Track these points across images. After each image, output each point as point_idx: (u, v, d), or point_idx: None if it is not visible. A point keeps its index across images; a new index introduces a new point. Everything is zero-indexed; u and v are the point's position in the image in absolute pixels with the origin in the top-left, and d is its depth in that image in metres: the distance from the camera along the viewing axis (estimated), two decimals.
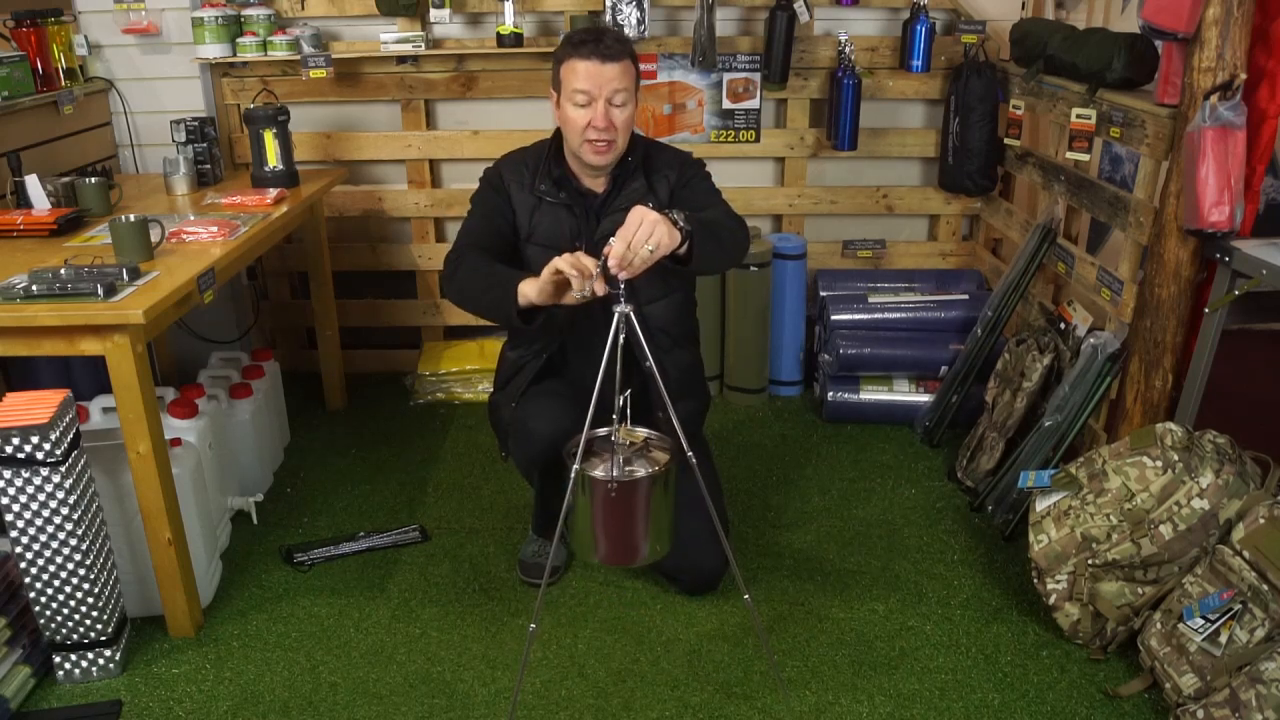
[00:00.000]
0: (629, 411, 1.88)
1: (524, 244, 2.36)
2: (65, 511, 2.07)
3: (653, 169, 2.38)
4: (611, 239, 1.83)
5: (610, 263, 1.83)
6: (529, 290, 2.01)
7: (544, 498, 2.53)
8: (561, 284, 1.95)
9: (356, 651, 2.32)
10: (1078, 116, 2.74)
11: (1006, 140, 3.33)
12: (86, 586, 2.14)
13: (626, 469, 1.88)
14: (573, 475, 1.86)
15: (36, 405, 2.05)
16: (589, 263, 1.89)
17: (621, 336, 1.82)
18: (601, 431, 1.94)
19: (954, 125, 3.39)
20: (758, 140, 3.56)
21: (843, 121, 3.42)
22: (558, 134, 2.36)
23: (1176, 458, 2.16)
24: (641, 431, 1.95)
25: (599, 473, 1.87)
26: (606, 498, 1.87)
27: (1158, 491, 2.16)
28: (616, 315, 1.81)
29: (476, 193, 2.41)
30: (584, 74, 2.19)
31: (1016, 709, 2.12)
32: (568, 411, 2.25)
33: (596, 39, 2.21)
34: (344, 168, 3.50)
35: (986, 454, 2.92)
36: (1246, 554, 1.98)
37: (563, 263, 1.90)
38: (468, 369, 3.58)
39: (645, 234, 1.83)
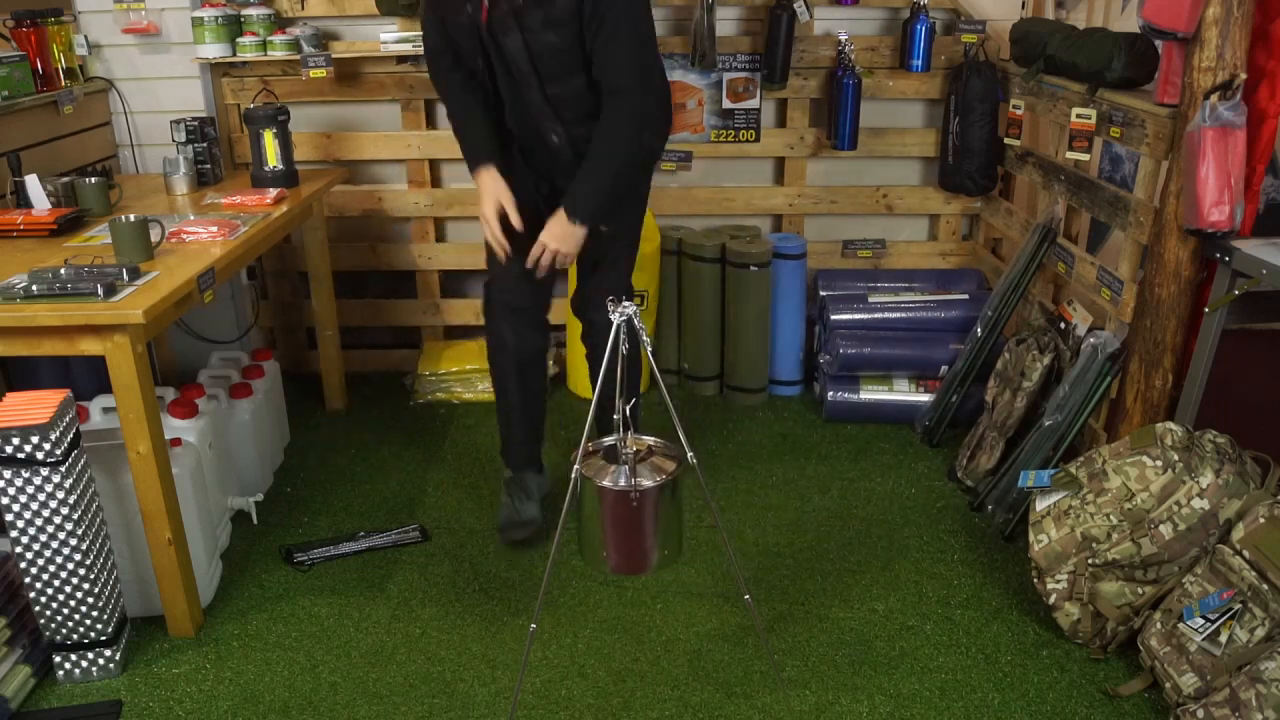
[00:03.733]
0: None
1: (443, 15, 2.41)
2: (65, 511, 2.07)
3: None
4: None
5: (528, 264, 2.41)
6: (482, 181, 2.42)
7: (505, 418, 2.70)
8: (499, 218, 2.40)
9: (356, 651, 2.32)
10: (1078, 116, 2.74)
11: (1006, 140, 3.33)
12: (86, 586, 2.14)
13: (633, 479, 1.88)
14: (576, 481, 1.86)
15: (36, 405, 2.05)
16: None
17: (624, 346, 1.82)
18: (605, 440, 1.93)
19: (954, 125, 3.39)
20: (758, 140, 3.56)
21: (843, 121, 3.42)
22: None
23: (1176, 457, 2.16)
24: (646, 439, 1.95)
25: (609, 483, 1.86)
26: (616, 509, 1.86)
27: (1158, 491, 2.16)
28: (616, 320, 1.81)
29: None
30: None
31: (1016, 709, 2.12)
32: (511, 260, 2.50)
33: None
34: (344, 168, 3.50)
35: (986, 454, 2.92)
36: (1246, 554, 1.98)
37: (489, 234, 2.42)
38: (468, 369, 3.58)
39: (552, 256, 2.40)
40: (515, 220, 2.40)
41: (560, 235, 2.39)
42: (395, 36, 3.30)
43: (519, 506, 2.69)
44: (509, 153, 2.52)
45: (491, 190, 2.42)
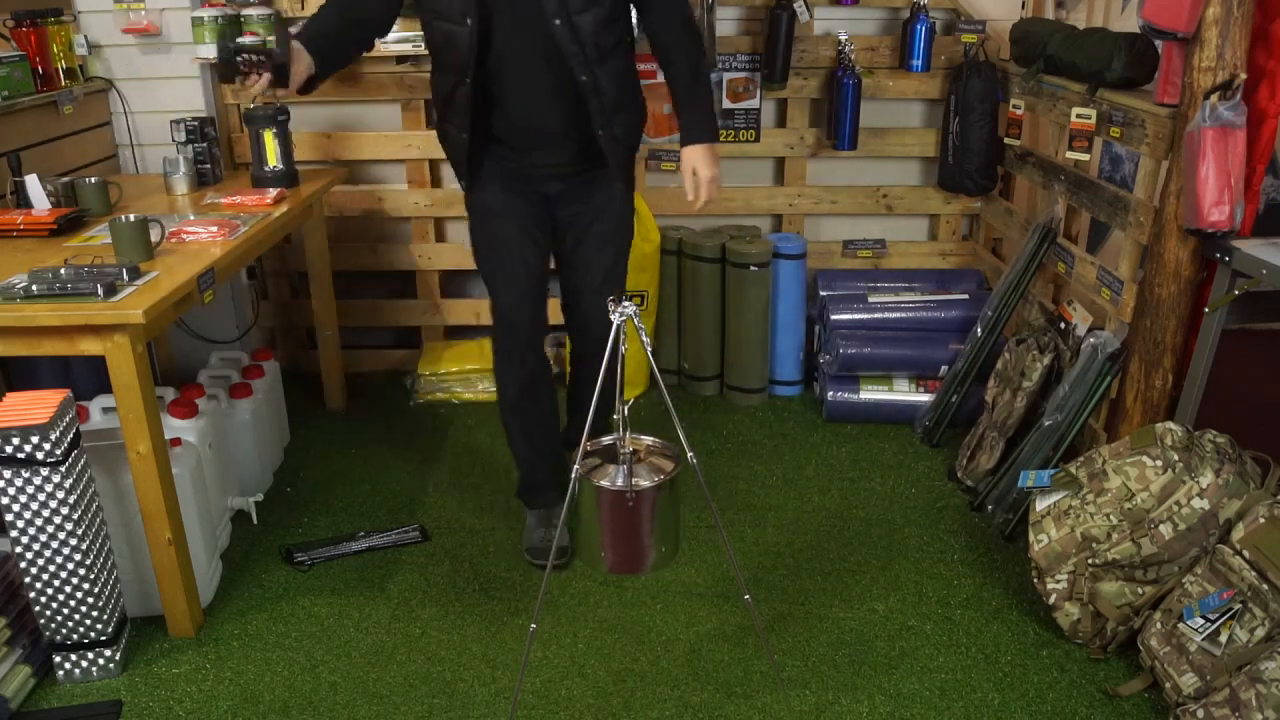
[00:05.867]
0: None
1: (424, 13, 2.29)
2: (65, 511, 2.07)
3: None
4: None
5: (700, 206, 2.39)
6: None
7: (522, 445, 2.61)
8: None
9: (356, 651, 2.32)
10: (1078, 116, 2.74)
11: (1006, 140, 3.33)
12: (86, 586, 2.14)
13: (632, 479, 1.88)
14: (575, 481, 1.86)
15: (36, 405, 2.05)
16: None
17: (623, 346, 1.82)
18: (604, 440, 1.94)
19: (954, 125, 3.39)
20: (758, 140, 3.56)
21: (843, 121, 3.42)
22: None
23: (1176, 457, 2.16)
24: (644, 439, 1.95)
25: (607, 483, 1.86)
26: (613, 509, 1.86)
27: (1158, 491, 2.16)
28: (615, 321, 1.81)
29: None
30: None
31: (1016, 709, 2.12)
32: (526, 273, 2.42)
33: None
34: (344, 168, 3.50)
35: (986, 453, 2.92)
36: (1246, 553, 1.98)
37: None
38: (468, 369, 3.57)
39: (708, 184, 2.37)
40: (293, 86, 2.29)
41: (707, 159, 2.36)
42: (395, 36, 3.30)
43: (550, 534, 2.61)
44: (502, 164, 2.41)
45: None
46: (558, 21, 2.17)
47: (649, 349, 1.86)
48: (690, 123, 2.37)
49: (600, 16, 2.22)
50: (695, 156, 2.36)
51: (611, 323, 1.80)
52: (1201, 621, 2.02)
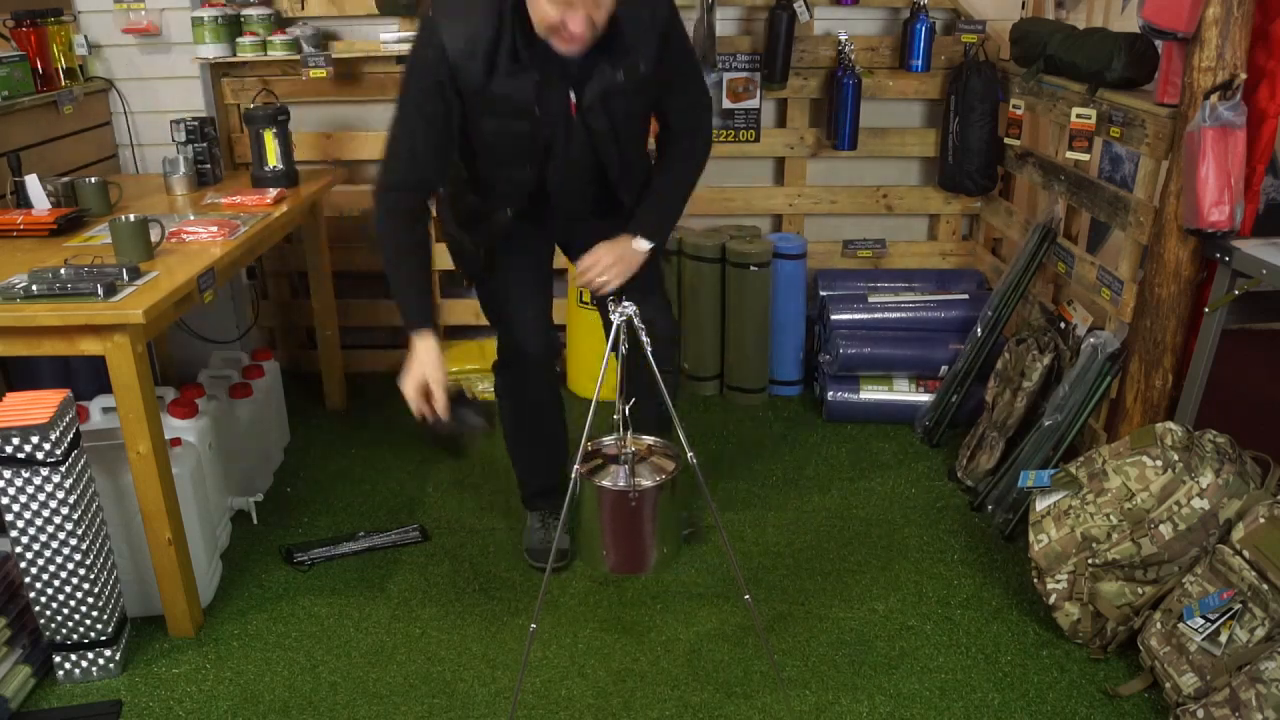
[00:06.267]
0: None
1: (479, 116, 2.10)
2: (65, 511, 2.07)
3: (629, 35, 2.06)
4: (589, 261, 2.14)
5: (580, 282, 2.22)
6: (416, 349, 2.09)
7: (529, 461, 2.60)
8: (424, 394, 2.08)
9: (356, 651, 2.32)
10: (1078, 116, 2.74)
11: (1006, 140, 3.33)
12: (86, 586, 2.14)
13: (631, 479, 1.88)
14: (575, 481, 1.86)
15: (36, 405, 2.05)
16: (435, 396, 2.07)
17: (623, 347, 1.82)
18: (605, 440, 1.93)
19: (954, 125, 3.39)
20: (758, 140, 3.56)
21: (843, 121, 3.42)
22: None
23: (1176, 457, 2.16)
24: (645, 439, 1.95)
25: (608, 483, 1.86)
26: (616, 509, 1.86)
27: (1158, 491, 2.16)
28: (616, 320, 1.81)
29: (406, 81, 2.09)
30: None
31: (1016, 709, 2.12)
32: (544, 324, 2.37)
33: None
34: (344, 167, 3.50)
35: (986, 453, 2.92)
36: (1246, 554, 1.98)
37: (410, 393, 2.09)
38: (468, 369, 3.57)
39: (603, 272, 2.17)
40: (440, 402, 2.07)
41: (623, 257, 2.18)
42: (395, 36, 3.30)
43: (551, 535, 2.59)
44: (528, 202, 2.26)
45: (423, 363, 2.07)
46: (613, 155, 2.16)
47: (649, 349, 1.86)
48: (644, 219, 2.23)
49: (642, 133, 2.25)
50: (622, 245, 2.20)
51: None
52: (1201, 621, 2.02)
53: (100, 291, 2.07)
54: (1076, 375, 2.65)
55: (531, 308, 2.39)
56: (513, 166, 2.17)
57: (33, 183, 2.69)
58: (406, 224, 2.14)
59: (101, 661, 2.22)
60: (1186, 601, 2.07)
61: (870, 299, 3.44)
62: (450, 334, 3.82)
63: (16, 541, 2.09)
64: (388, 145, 2.13)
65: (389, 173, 2.13)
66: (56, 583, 2.13)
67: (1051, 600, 2.29)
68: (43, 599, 2.14)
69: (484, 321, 2.66)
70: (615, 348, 1.82)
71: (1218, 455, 2.15)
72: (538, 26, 1.97)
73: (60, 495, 2.05)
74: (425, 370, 2.06)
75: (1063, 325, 2.86)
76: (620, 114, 2.12)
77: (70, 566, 2.11)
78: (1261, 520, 1.98)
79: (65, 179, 2.79)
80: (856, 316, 3.40)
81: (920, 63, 3.38)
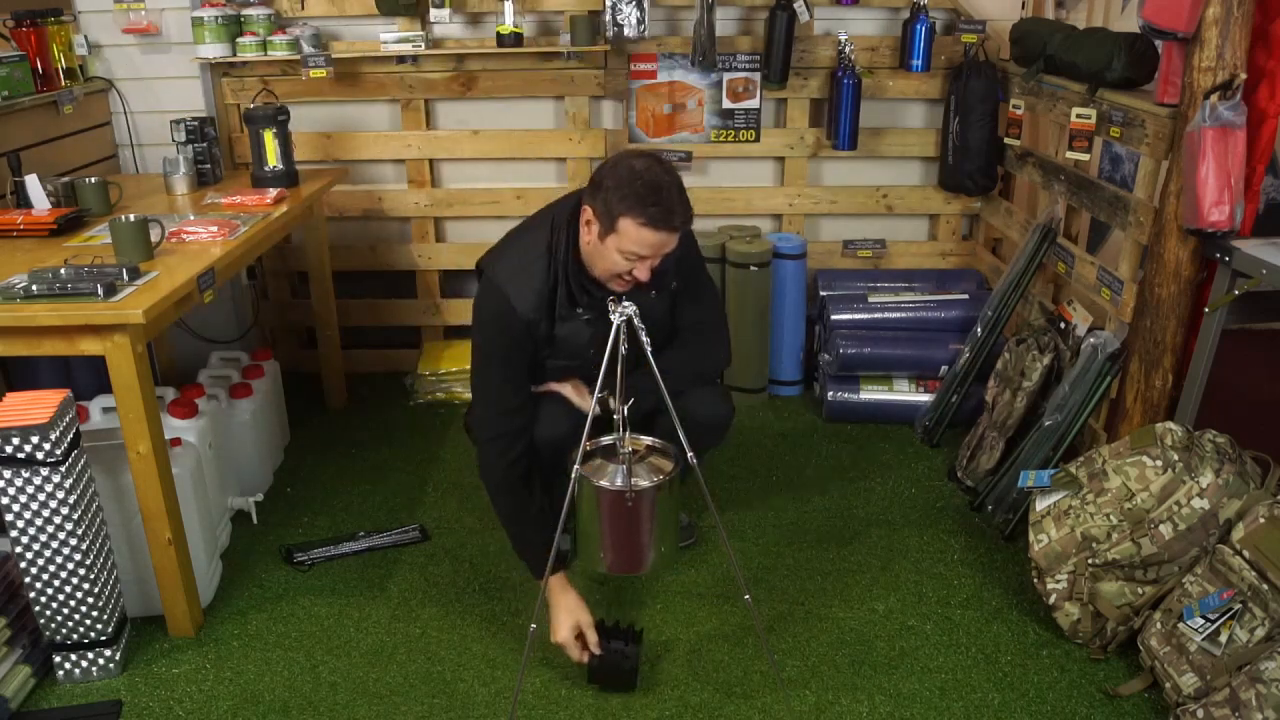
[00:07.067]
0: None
1: (544, 357, 2.26)
2: (65, 511, 2.07)
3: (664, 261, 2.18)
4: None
5: None
6: (556, 599, 2.18)
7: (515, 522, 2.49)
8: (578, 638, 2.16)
9: (356, 651, 2.32)
10: (1078, 116, 2.74)
11: (1006, 140, 3.33)
12: (86, 586, 2.14)
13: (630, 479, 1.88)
14: (575, 481, 1.85)
15: (36, 405, 2.05)
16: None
17: (623, 346, 1.82)
18: (604, 440, 1.94)
19: (954, 125, 3.39)
20: (758, 140, 3.56)
21: (843, 121, 3.42)
22: (569, 246, 2.15)
23: (1176, 457, 2.16)
24: (644, 439, 1.95)
25: (606, 483, 1.86)
26: (614, 509, 1.86)
27: (1158, 491, 2.16)
28: (616, 319, 1.81)
29: (487, 340, 2.21)
30: (650, 243, 2.01)
31: (1016, 709, 2.12)
32: (569, 412, 2.26)
33: (669, 210, 2.00)
34: (344, 168, 3.50)
35: (986, 454, 2.92)
36: (1246, 553, 1.98)
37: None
38: (468, 369, 3.57)
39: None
40: (594, 641, 2.14)
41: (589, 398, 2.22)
42: (395, 36, 3.30)
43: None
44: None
45: (570, 610, 2.16)
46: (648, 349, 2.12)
47: (649, 348, 1.86)
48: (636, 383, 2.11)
49: (674, 328, 2.36)
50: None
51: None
52: (1201, 621, 2.02)
53: (100, 291, 2.07)
54: (1076, 375, 2.65)
55: (555, 412, 2.32)
56: (562, 371, 2.30)
57: (33, 183, 2.69)
58: (520, 474, 2.21)
59: (101, 661, 2.22)
60: (1186, 601, 2.07)
61: (870, 299, 3.44)
62: (450, 334, 3.82)
63: (16, 541, 2.09)
64: (482, 398, 2.25)
65: (492, 426, 2.21)
66: (56, 583, 2.13)
67: (1051, 600, 2.29)
68: (43, 599, 2.14)
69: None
70: (615, 348, 1.82)
71: (1218, 455, 2.15)
72: (601, 273, 2.11)
73: (60, 495, 2.05)
74: (576, 617, 2.15)
75: (1063, 325, 2.86)
76: (653, 321, 2.09)
77: (70, 566, 2.11)
78: (1261, 520, 1.98)
79: (65, 179, 2.79)
80: (856, 316, 3.40)
81: (920, 63, 3.38)
